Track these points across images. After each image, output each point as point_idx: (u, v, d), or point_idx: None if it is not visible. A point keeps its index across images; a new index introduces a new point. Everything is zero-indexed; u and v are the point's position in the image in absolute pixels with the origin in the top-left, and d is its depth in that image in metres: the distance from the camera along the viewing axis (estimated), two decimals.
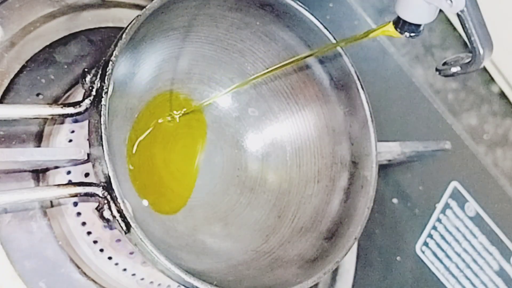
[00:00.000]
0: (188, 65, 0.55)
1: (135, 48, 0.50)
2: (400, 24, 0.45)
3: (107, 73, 0.45)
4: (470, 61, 0.44)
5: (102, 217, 0.45)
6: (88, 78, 0.47)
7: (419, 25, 0.45)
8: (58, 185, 0.47)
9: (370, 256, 0.66)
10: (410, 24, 0.45)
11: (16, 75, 0.53)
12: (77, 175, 0.51)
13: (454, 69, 0.45)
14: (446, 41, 0.95)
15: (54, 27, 0.56)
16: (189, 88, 0.56)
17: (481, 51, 0.43)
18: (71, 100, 0.53)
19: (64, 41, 0.55)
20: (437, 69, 0.46)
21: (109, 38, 0.57)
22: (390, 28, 0.46)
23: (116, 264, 0.51)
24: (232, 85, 0.56)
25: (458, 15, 0.42)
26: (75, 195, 0.46)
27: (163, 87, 0.55)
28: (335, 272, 0.63)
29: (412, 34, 0.46)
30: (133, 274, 0.51)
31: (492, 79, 0.94)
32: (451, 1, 0.42)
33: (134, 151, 0.52)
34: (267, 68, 0.55)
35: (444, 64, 0.46)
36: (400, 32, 0.46)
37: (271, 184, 0.57)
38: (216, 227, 0.55)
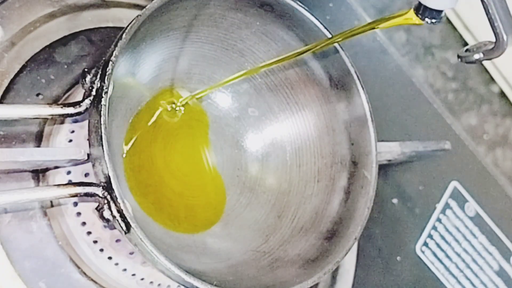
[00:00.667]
0: (188, 65, 0.55)
1: (135, 48, 0.50)
2: (421, 10, 0.44)
3: (107, 73, 0.45)
4: (493, 47, 0.43)
5: (102, 217, 0.45)
6: (88, 78, 0.47)
7: (440, 11, 0.44)
8: (58, 185, 0.47)
9: (370, 256, 0.66)
10: (432, 10, 0.44)
11: (16, 75, 0.53)
12: (77, 175, 0.51)
13: (476, 56, 0.44)
14: (446, 41, 0.94)
15: (54, 27, 0.56)
16: (189, 88, 0.56)
17: (505, 37, 0.42)
18: (71, 100, 0.53)
19: (64, 41, 0.55)
20: (459, 56, 0.45)
21: (109, 38, 0.57)
22: (412, 15, 0.45)
23: (116, 264, 0.51)
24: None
25: (481, 0, 0.41)
26: (75, 195, 0.46)
27: (163, 87, 0.55)
28: (335, 272, 0.63)
29: (433, 21, 0.44)
30: (133, 274, 0.51)
31: (492, 79, 0.94)
32: None
33: (129, 147, 0.52)
34: (264, 62, 0.55)
35: (467, 50, 0.45)
36: (421, 19, 0.44)
37: (271, 184, 0.57)
38: (216, 227, 0.55)
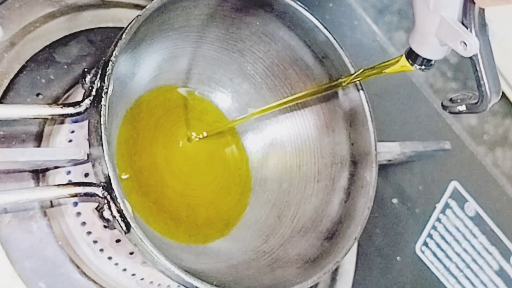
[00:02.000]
0: (188, 65, 0.55)
1: (135, 48, 0.50)
2: (413, 56, 0.46)
3: (107, 73, 0.45)
4: (476, 102, 0.44)
5: (102, 217, 0.45)
6: (88, 78, 0.47)
7: (431, 60, 0.46)
8: (58, 185, 0.47)
9: (370, 256, 0.66)
10: (423, 58, 0.46)
11: (16, 75, 0.53)
12: (77, 175, 0.51)
13: (460, 108, 0.46)
14: None
15: (54, 27, 0.56)
16: (189, 88, 0.56)
17: (488, 95, 0.43)
18: (71, 100, 0.53)
19: (64, 41, 0.55)
20: (443, 105, 0.47)
21: (109, 38, 0.57)
22: (406, 62, 0.46)
23: (116, 264, 0.51)
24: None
25: (470, 58, 0.43)
26: (75, 195, 0.46)
27: (163, 87, 0.55)
28: (335, 272, 0.63)
29: (423, 67, 0.46)
30: (133, 274, 0.51)
31: None
32: (466, 45, 0.42)
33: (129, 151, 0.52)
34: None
35: (451, 100, 0.46)
36: (411, 64, 0.46)
37: (271, 184, 0.57)
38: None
